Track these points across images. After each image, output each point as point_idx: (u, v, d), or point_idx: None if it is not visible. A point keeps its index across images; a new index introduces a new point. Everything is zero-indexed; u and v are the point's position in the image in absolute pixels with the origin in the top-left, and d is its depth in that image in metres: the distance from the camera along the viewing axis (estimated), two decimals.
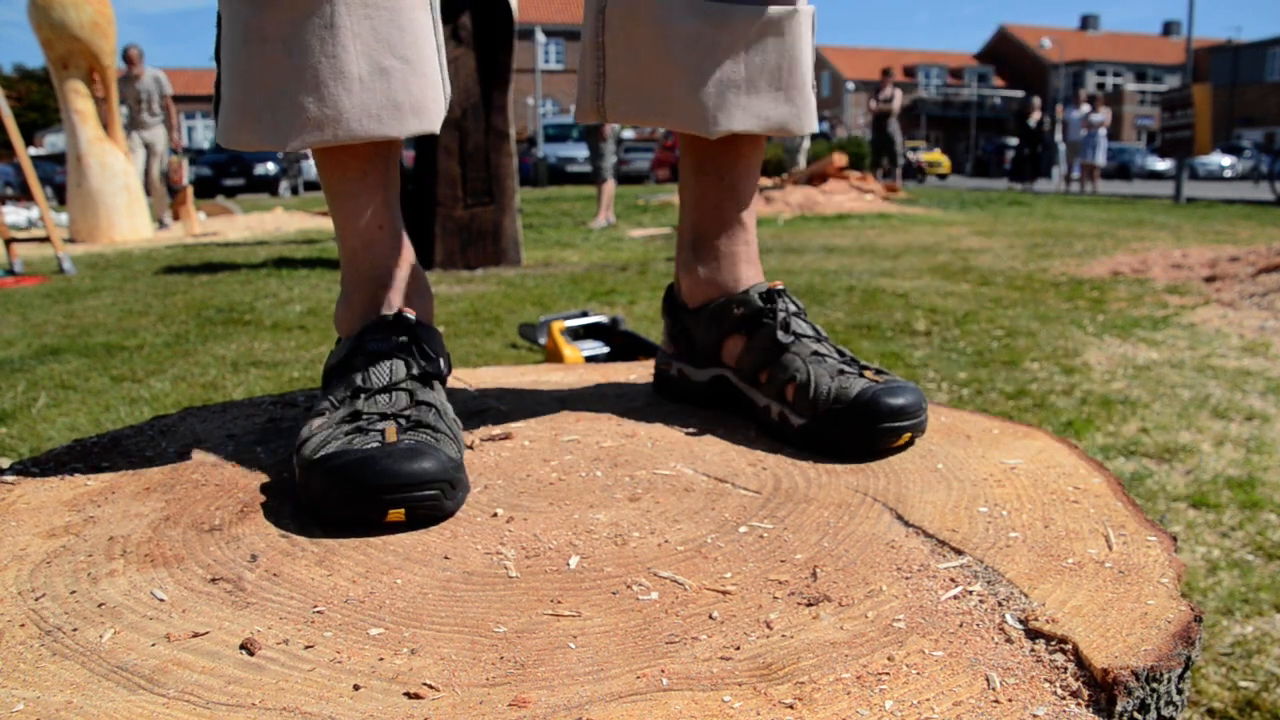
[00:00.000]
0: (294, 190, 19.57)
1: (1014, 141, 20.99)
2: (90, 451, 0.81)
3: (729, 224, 0.92)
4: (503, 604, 0.52)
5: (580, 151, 19.28)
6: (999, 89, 50.19)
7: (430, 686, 0.44)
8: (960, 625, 0.49)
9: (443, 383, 0.78)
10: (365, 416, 0.69)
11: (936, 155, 28.87)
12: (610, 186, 8.92)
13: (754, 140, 0.91)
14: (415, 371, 0.75)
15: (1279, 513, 1.76)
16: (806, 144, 13.19)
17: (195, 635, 0.49)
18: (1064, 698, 0.43)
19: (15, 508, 0.68)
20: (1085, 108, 13.80)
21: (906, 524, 0.63)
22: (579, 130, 20.09)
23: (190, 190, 9.30)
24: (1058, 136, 16.95)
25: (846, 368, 0.81)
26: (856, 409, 0.75)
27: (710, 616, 0.51)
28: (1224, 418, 2.34)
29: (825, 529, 0.62)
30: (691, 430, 0.85)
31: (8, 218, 8.34)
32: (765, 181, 11.53)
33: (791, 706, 0.42)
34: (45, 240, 5.92)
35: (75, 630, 0.50)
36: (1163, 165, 26.08)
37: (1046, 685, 0.44)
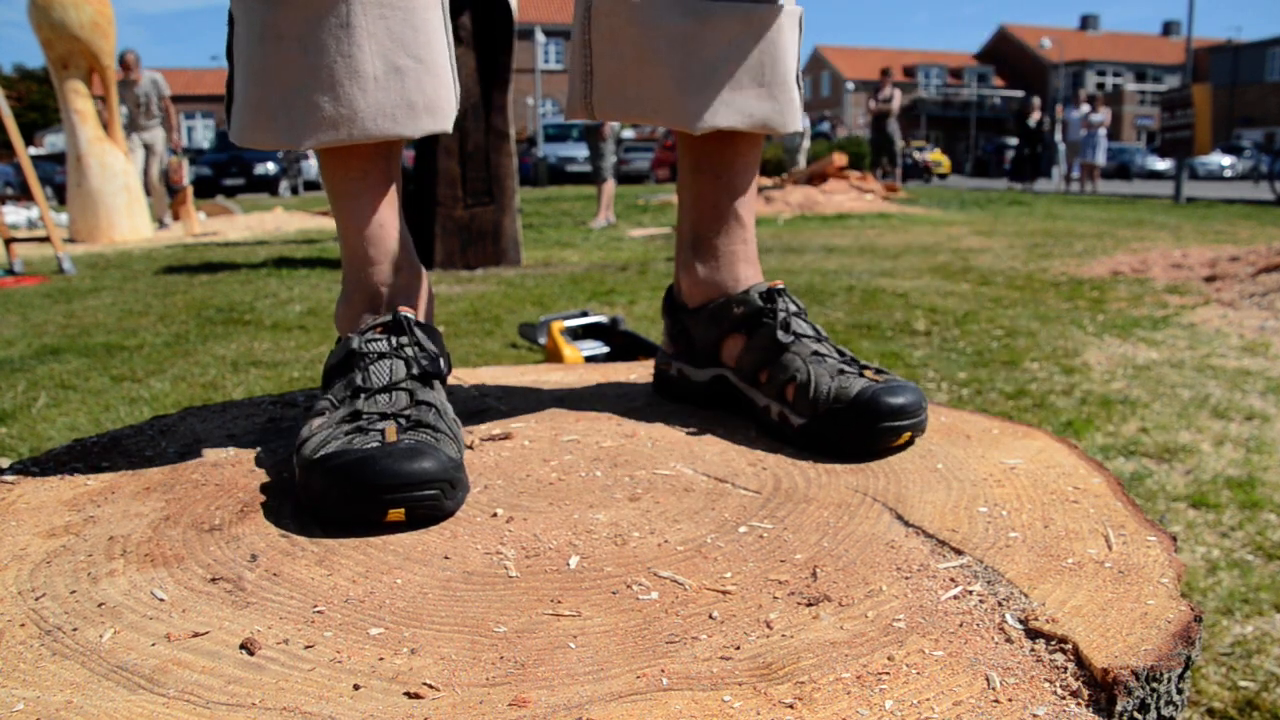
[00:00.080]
0: (294, 190, 19.57)
1: (1014, 141, 20.99)
2: (90, 451, 0.81)
3: (727, 223, 0.92)
4: (503, 604, 0.52)
5: (580, 151, 19.27)
6: (999, 89, 50.20)
7: (430, 686, 0.44)
8: (960, 625, 0.49)
9: (443, 382, 0.78)
10: (365, 416, 0.69)
11: (937, 155, 28.85)
12: (610, 186, 8.93)
13: (751, 139, 0.91)
14: (415, 371, 0.75)
15: (1279, 513, 1.76)
16: (806, 144, 13.20)
17: (195, 635, 0.49)
18: (1064, 697, 0.43)
19: (15, 508, 0.68)
20: (1085, 108, 13.80)
21: (906, 524, 0.63)
22: (579, 130, 20.11)
23: (190, 190, 9.30)
24: (1058, 136, 16.95)
25: (846, 367, 0.81)
26: (856, 408, 0.75)
27: (710, 616, 0.51)
28: (1224, 418, 2.34)
29: (825, 529, 0.62)
30: (691, 430, 0.85)
31: (8, 218, 8.34)
32: (765, 181, 11.53)
33: (791, 706, 0.42)
34: (45, 240, 5.92)
35: (75, 630, 0.50)
36: (1163, 165, 26.07)
37: (1046, 685, 0.44)
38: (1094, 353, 3.09)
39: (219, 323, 3.80)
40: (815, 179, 11.13)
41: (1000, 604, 0.52)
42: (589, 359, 2.66)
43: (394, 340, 0.77)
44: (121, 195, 8.12)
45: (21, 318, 4.02)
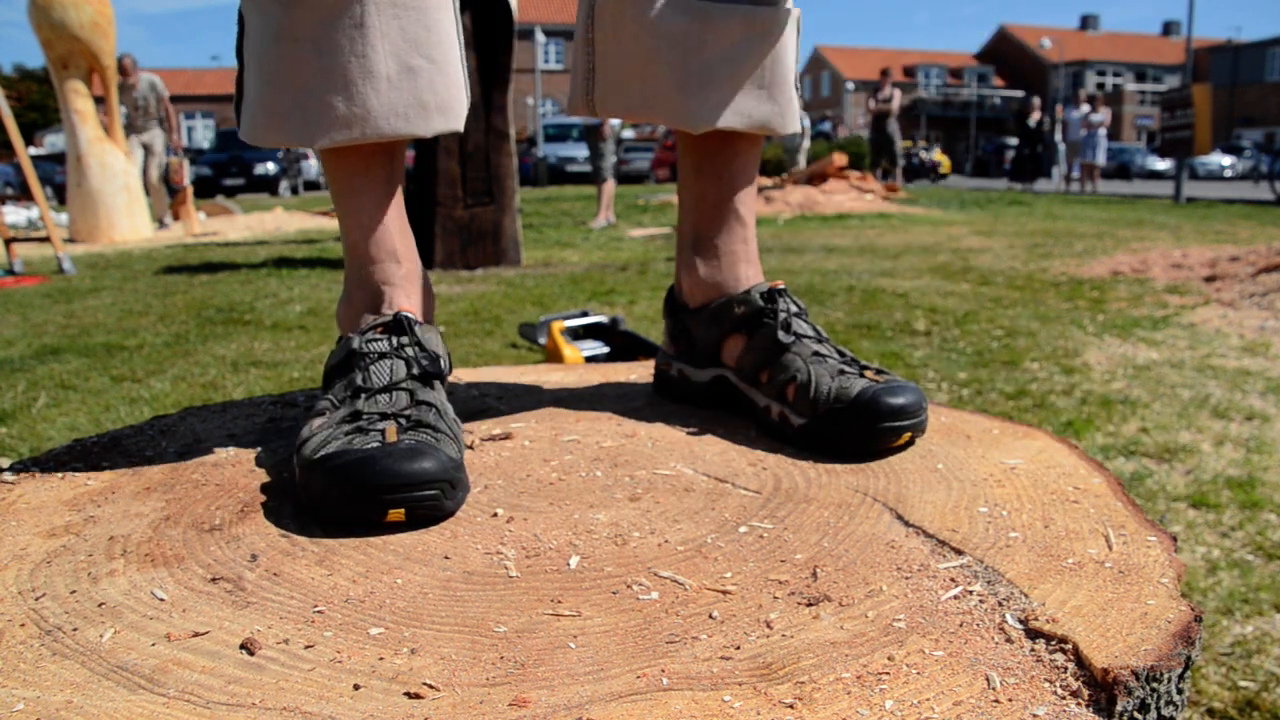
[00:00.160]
0: (294, 190, 19.56)
1: (1014, 141, 20.99)
2: (90, 451, 0.81)
3: (728, 222, 0.92)
4: (503, 604, 0.52)
5: (580, 151, 19.27)
6: (999, 89, 50.19)
7: (430, 686, 0.44)
8: (960, 625, 0.49)
9: (443, 382, 0.78)
10: (365, 416, 0.69)
11: (937, 155, 28.86)
12: (610, 186, 8.92)
13: (751, 139, 0.92)
14: (415, 371, 0.75)
15: (1279, 513, 1.76)
16: (806, 144, 13.20)
17: (195, 635, 0.49)
18: (1064, 697, 0.43)
19: (15, 507, 0.68)
20: (1085, 108, 13.80)
21: (906, 524, 0.63)
22: (579, 130, 20.10)
23: (190, 190, 9.30)
24: (1058, 136, 16.95)
25: (847, 368, 0.81)
26: (857, 408, 0.75)
27: (710, 616, 0.51)
28: (1224, 418, 2.34)
29: (825, 529, 0.62)
30: (692, 430, 0.85)
31: (8, 218, 8.34)
32: (765, 181, 11.53)
33: (792, 706, 0.42)
34: (45, 240, 5.92)
35: (75, 630, 0.50)
36: (1163, 165, 26.08)
37: (1046, 685, 0.44)
38: (1094, 353, 3.09)
39: (219, 323, 3.80)
40: (815, 179, 11.13)
41: (1000, 604, 0.52)
42: (589, 359, 2.66)
43: (395, 340, 0.77)
44: (121, 195, 8.12)
45: (21, 318, 4.02)
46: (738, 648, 0.47)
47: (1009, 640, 0.48)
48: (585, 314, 3.00)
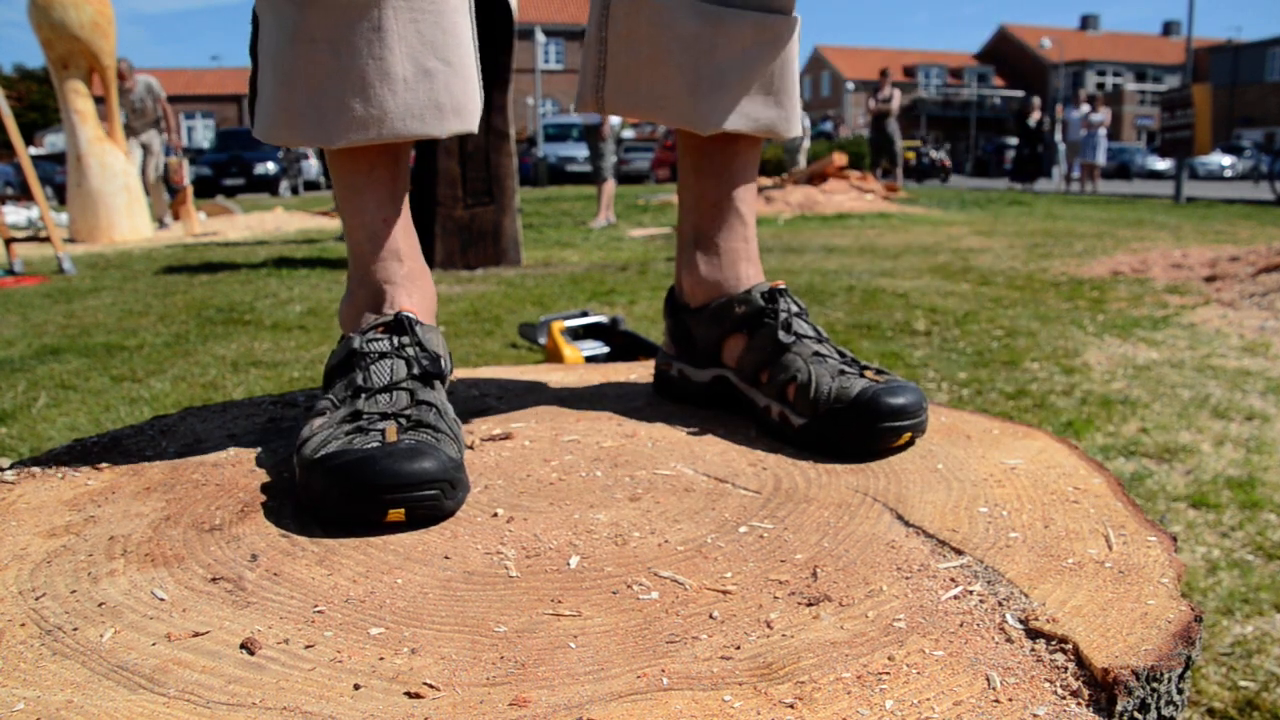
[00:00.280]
0: (294, 190, 19.56)
1: (1014, 141, 20.98)
2: (90, 451, 0.81)
3: (729, 221, 0.92)
4: (503, 604, 0.52)
5: (580, 151, 19.28)
6: (999, 89, 50.19)
7: (431, 686, 0.44)
8: (960, 625, 0.49)
9: (444, 382, 0.78)
10: (366, 416, 0.69)
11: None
12: (610, 186, 8.92)
13: (751, 140, 0.92)
14: (416, 371, 0.75)
15: (1279, 513, 1.76)
16: (806, 144, 13.21)
17: (195, 635, 0.49)
18: (1064, 697, 0.43)
19: (15, 507, 0.68)
20: (1085, 108, 13.80)
21: (907, 524, 0.63)
22: (579, 130, 20.10)
23: (190, 190, 9.30)
24: (1058, 136, 16.95)
25: (847, 368, 0.81)
26: (857, 408, 0.75)
27: (710, 616, 0.51)
28: (1224, 418, 2.34)
29: (825, 529, 0.62)
30: (692, 430, 0.85)
31: (8, 218, 8.34)
32: (765, 181, 11.53)
33: (792, 706, 0.42)
34: (45, 240, 5.92)
35: (75, 630, 0.50)
36: (1163, 165, 26.10)
37: (1047, 685, 0.44)
38: (1094, 353, 3.09)
39: (219, 323, 3.80)
40: (815, 179, 11.13)
41: (1000, 604, 0.52)
42: (589, 359, 2.66)
43: (395, 340, 0.77)
44: (121, 195, 8.12)
45: (21, 318, 4.02)
46: (738, 648, 0.47)
47: (1009, 640, 0.48)
48: (585, 314, 3.00)
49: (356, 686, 0.44)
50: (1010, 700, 0.43)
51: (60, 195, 14.57)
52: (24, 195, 8.55)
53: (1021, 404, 2.47)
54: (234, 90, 42.21)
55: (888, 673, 0.45)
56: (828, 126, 21.85)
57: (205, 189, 17.38)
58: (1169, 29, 54.53)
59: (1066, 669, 0.45)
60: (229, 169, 19.56)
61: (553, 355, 2.74)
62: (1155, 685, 0.45)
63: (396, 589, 0.54)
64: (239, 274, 5.43)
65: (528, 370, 1.14)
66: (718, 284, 0.92)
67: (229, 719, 0.41)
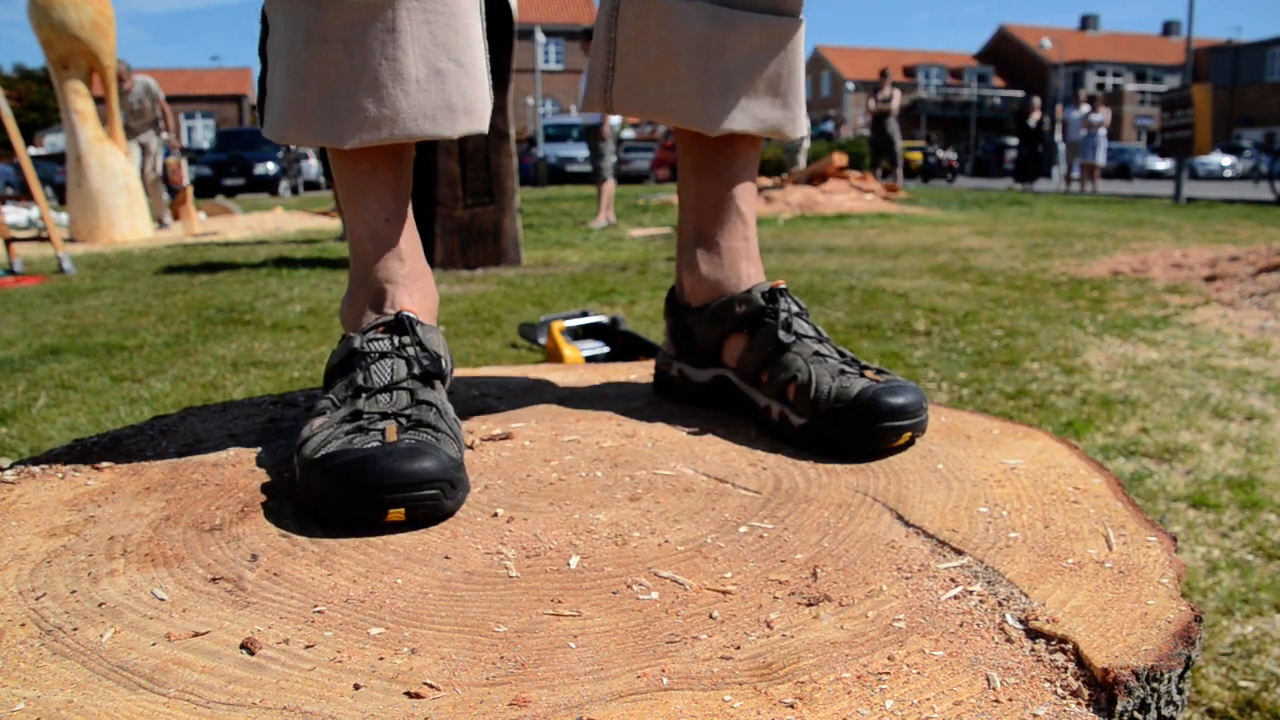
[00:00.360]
0: (294, 190, 19.56)
1: (1014, 141, 20.98)
2: (90, 451, 0.81)
3: (729, 220, 0.92)
4: (503, 604, 0.52)
5: (580, 151, 19.28)
6: (999, 89, 50.20)
7: (431, 686, 0.44)
8: (960, 625, 0.49)
9: (444, 382, 0.78)
10: (366, 416, 0.69)
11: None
12: (610, 186, 8.92)
13: (751, 139, 0.93)
14: (416, 371, 0.75)
15: (1279, 513, 1.76)
16: (806, 144, 13.20)
17: (196, 635, 0.49)
18: (1064, 697, 0.43)
19: (15, 507, 0.68)
20: (1085, 108, 13.80)
21: (907, 524, 0.63)
22: (579, 130, 20.10)
23: (190, 190, 9.31)
24: (1058, 136, 16.95)
25: (847, 368, 0.81)
26: (857, 408, 0.75)
27: (710, 616, 0.51)
28: (1224, 418, 2.34)
29: (825, 529, 0.62)
30: (692, 430, 0.85)
31: (8, 218, 8.34)
32: (765, 181, 11.53)
33: (792, 706, 0.42)
34: (45, 240, 5.92)
35: (75, 630, 0.50)
36: (1163, 165, 26.11)
37: (1047, 685, 0.44)
38: (1094, 353, 3.09)
39: (219, 323, 3.80)
40: (815, 179, 11.13)
41: (1000, 604, 0.52)
42: (589, 359, 2.66)
43: (396, 340, 0.77)
44: (121, 195, 8.12)
45: (21, 318, 4.02)
46: (738, 647, 0.47)
47: (1009, 640, 0.48)
48: (585, 314, 3.00)
49: (356, 686, 0.44)
50: (1010, 700, 0.43)
51: (60, 195, 14.57)
52: (24, 195, 8.55)
53: (1021, 404, 2.47)
54: (234, 90, 42.18)
55: (888, 673, 0.45)
56: (828, 126, 21.84)
57: (205, 189, 17.38)
58: (1169, 29, 54.55)
59: (1066, 669, 0.45)
60: (229, 169, 19.56)
61: (553, 355, 2.73)
62: (1155, 685, 0.45)
63: (396, 589, 0.54)
64: (239, 274, 5.43)
65: (528, 370, 1.14)
66: (718, 283, 0.92)
67: (229, 719, 0.41)
